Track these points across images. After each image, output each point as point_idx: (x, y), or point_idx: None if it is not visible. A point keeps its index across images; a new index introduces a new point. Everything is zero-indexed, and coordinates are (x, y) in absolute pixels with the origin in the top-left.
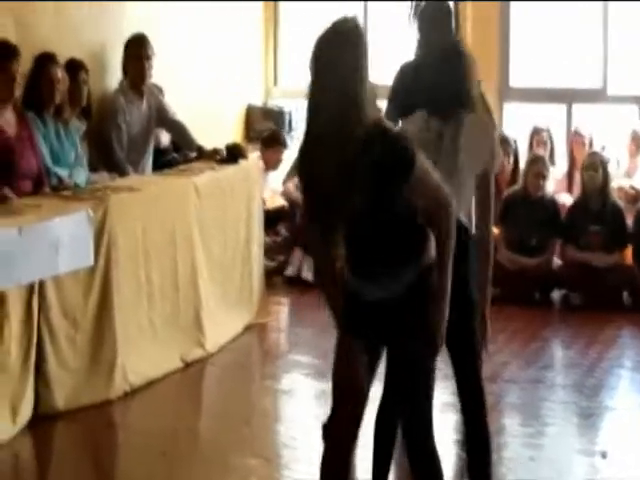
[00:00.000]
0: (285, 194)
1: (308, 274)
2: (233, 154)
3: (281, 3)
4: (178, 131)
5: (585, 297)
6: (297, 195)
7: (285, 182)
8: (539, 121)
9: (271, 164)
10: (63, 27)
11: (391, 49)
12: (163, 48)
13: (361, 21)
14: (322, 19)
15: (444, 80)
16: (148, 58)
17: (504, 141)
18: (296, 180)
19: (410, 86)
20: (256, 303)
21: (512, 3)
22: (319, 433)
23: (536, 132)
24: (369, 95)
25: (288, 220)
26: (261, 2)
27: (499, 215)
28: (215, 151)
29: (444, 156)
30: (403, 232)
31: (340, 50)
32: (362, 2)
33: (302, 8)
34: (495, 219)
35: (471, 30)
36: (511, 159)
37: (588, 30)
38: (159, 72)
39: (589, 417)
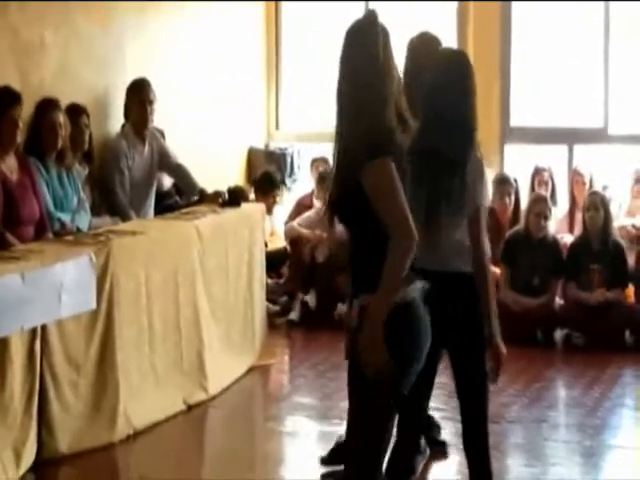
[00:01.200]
0: (289, 232)
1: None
2: (235, 197)
3: (283, 47)
4: (180, 174)
5: (587, 337)
6: (303, 231)
7: (287, 222)
8: (540, 161)
9: (266, 208)
10: (65, 73)
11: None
12: (164, 91)
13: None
14: (324, 64)
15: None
16: (150, 102)
17: (505, 181)
18: (299, 219)
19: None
20: (259, 345)
21: (513, 43)
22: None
23: (537, 172)
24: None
25: (290, 262)
26: (263, 45)
27: (501, 255)
28: (217, 194)
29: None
30: None
31: (356, 46)
32: (363, 2)
33: (304, 52)
34: (497, 258)
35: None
36: (512, 198)
37: (589, 70)
38: (160, 115)
39: (592, 456)
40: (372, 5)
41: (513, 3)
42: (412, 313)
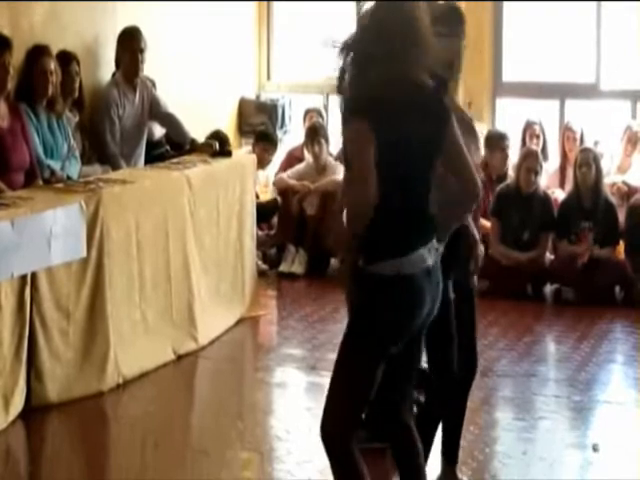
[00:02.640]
0: (278, 183)
1: (299, 268)
2: (220, 140)
3: None
4: (171, 124)
5: (577, 292)
6: (292, 182)
7: (277, 173)
8: (531, 115)
9: (260, 162)
10: (56, 20)
11: None
12: (156, 42)
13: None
14: (316, 14)
15: None
16: (141, 51)
17: (501, 137)
18: (289, 170)
19: None
20: (248, 296)
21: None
22: (310, 425)
23: (528, 126)
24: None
25: (280, 213)
26: None
27: (492, 209)
28: (209, 144)
29: None
30: None
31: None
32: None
33: (296, 3)
34: (488, 213)
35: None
36: (509, 153)
37: (581, 25)
38: (152, 65)
39: (581, 411)
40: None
41: None
42: (403, 287)
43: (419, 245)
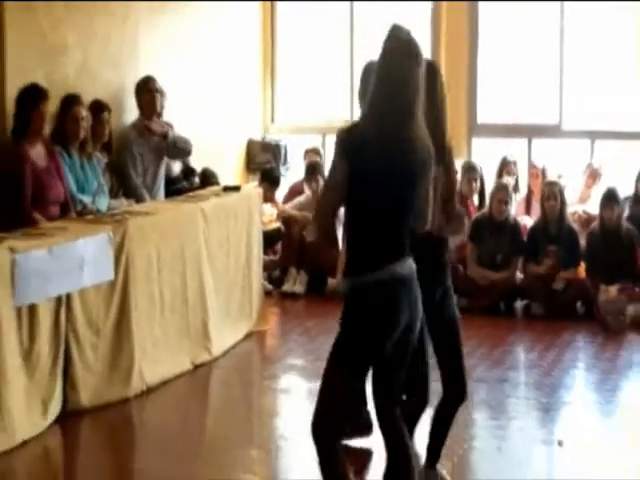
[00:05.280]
0: (282, 213)
1: (300, 288)
2: (205, 177)
3: (278, 46)
4: (175, 143)
5: (544, 307)
6: (294, 212)
7: (284, 202)
8: (508, 154)
9: (265, 197)
10: (86, 72)
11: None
12: (173, 89)
13: (347, 22)
14: (316, 62)
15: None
16: (156, 91)
17: (471, 169)
18: (290, 203)
19: None
20: (255, 313)
21: (480, 49)
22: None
23: (506, 163)
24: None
25: (283, 241)
26: (260, 44)
27: (469, 235)
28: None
29: None
30: None
31: (411, 66)
32: (348, 2)
33: (298, 53)
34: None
35: (445, 73)
36: (478, 184)
37: (546, 71)
38: (170, 110)
39: (548, 411)
40: (357, 5)
41: (480, 4)
42: (380, 293)
43: (391, 261)
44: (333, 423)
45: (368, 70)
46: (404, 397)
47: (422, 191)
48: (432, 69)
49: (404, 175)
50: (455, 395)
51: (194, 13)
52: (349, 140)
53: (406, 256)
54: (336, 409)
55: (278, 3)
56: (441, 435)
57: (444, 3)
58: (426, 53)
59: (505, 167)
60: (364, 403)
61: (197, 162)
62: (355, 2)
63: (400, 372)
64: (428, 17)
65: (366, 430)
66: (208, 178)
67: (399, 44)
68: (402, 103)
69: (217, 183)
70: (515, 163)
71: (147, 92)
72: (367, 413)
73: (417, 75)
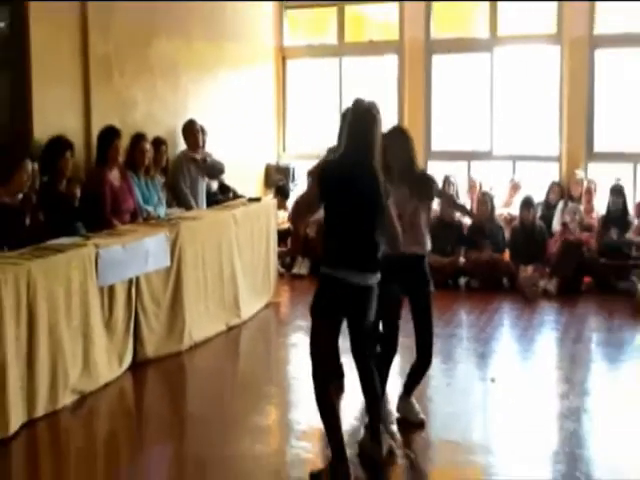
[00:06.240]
0: (289, 218)
1: (304, 271)
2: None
3: (288, 98)
4: (213, 167)
5: (480, 282)
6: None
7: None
8: (448, 172)
9: (279, 205)
10: (150, 116)
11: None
12: (211, 128)
13: (337, 75)
14: (315, 108)
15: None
16: (197, 131)
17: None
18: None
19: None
20: (272, 289)
21: (434, 93)
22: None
23: (447, 179)
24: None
25: (292, 236)
26: (274, 95)
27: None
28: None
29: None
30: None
31: (370, 123)
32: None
33: (302, 100)
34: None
35: (408, 112)
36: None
37: (480, 109)
38: (210, 143)
39: (483, 357)
40: (343, 61)
41: (433, 57)
42: (334, 284)
43: (350, 268)
44: (321, 366)
45: (343, 116)
46: (378, 349)
47: (384, 211)
48: (404, 133)
49: (364, 196)
50: (423, 361)
51: (226, 74)
52: (322, 173)
53: (365, 269)
54: (320, 354)
55: (288, 62)
56: (417, 376)
57: (407, 57)
58: (393, 96)
59: (446, 182)
60: (338, 359)
61: (229, 181)
62: (343, 59)
63: (361, 330)
64: (395, 69)
65: (340, 376)
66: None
67: (361, 110)
68: (364, 146)
69: (231, 194)
70: (455, 178)
71: (190, 131)
72: (340, 366)
73: (375, 130)
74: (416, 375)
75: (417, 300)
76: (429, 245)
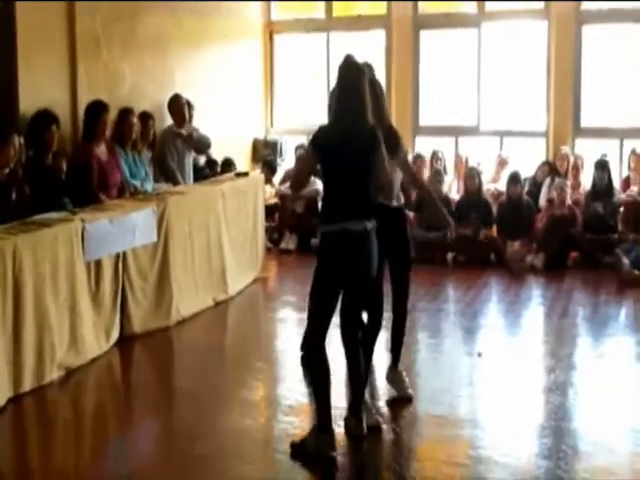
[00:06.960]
0: (278, 193)
1: (292, 245)
2: (226, 164)
3: (275, 73)
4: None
5: (467, 257)
6: (287, 191)
7: (280, 184)
8: (436, 147)
9: (266, 180)
10: (136, 91)
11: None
12: (200, 102)
13: (324, 51)
14: (304, 83)
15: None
16: (183, 105)
17: (418, 157)
18: (285, 184)
19: None
20: (260, 264)
21: (422, 68)
22: (299, 344)
23: (434, 154)
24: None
25: (279, 211)
26: (262, 70)
27: (414, 207)
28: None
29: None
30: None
31: (358, 77)
32: (325, 34)
33: (290, 75)
34: (413, 208)
35: (396, 88)
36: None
37: (468, 85)
38: (197, 117)
39: (470, 332)
40: (331, 36)
41: (421, 33)
42: (340, 240)
43: (348, 218)
44: (317, 337)
45: (332, 92)
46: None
47: (376, 165)
48: (372, 78)
49: (359, 154)
50: (399, 316)
51: (214, 48)
52: (318, 138)
53: (362, 217)
54: (315, 326)
55: (275, 37)
56: (399, 339)
57: (394, 33)
58: (381, 71)
59: (434, 156)
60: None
61: (217, 155)
62: (331, 34)
63: (358, 299)
64: (383, 44)
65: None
66: (229, 165)
67: (348, 66)
68: (355, 105)
69: (235, 168)
70: (442, 153)
71: (176, 106)
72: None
73: (363, 83)
74: (397, 335)
75: (396, 256)
76: (402, 200)
